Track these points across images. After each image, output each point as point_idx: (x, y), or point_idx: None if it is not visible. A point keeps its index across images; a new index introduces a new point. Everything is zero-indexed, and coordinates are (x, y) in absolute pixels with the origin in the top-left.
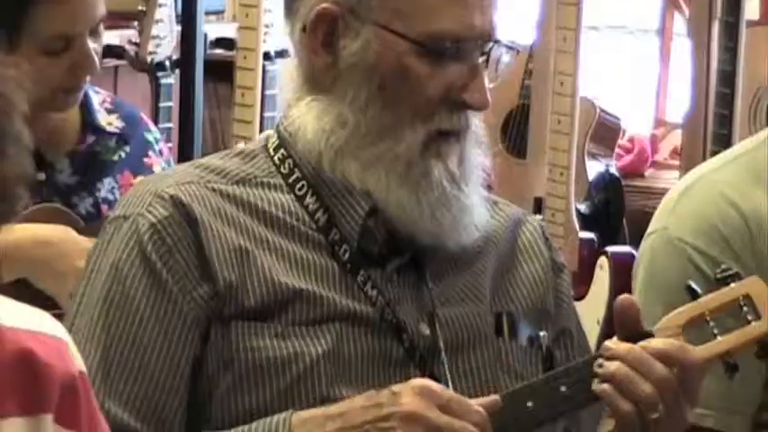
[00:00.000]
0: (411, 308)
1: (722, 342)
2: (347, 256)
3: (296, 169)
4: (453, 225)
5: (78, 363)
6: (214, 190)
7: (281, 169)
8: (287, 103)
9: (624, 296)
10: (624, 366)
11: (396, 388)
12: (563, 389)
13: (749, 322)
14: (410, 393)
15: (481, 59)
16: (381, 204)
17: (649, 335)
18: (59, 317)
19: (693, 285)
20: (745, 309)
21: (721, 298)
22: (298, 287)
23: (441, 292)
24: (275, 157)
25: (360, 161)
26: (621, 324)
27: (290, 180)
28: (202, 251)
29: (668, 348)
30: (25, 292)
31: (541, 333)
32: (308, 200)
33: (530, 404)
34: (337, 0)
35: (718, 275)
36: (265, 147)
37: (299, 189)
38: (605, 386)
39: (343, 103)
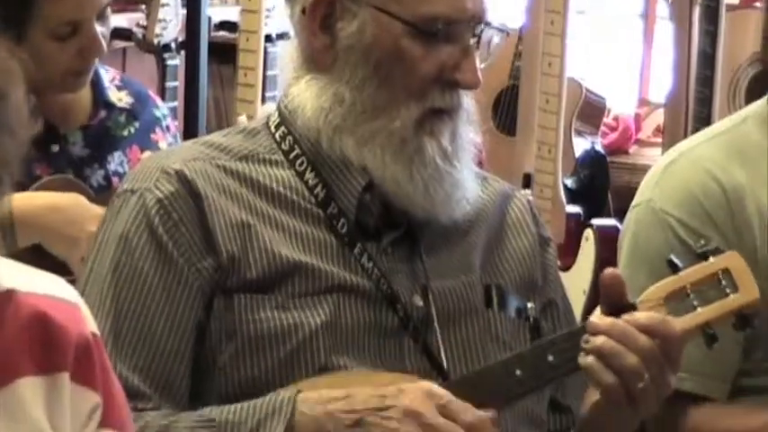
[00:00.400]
0: (405, 280)
1: (702, 314)
2: (344, 229)
3: (296, 146)
4: (445, 200)
5: (91, 324)
6: (218, 166)
7: (282, 146)
8: (287, 83)
9: (609, 270)
10: (609, 340)
11: (403, 386)
12: (550, 358)
13: (727, 295)
14: (414, 392)
15: (473, 41)
16: (377, 179)
17: (632, 307)
18: (72, 282)
19: (675, 259)
20: (723, 282)
21: (701, 272)
22: (297, 260)
23: (434, 264)
24: (276, 135)
25: (356, 138)
26: (606, 297)
27: (291, 156)
28: (206, 225)
29: (651, 321)
30: (41, 258)
31: (529, 305)
32: (308, 175)
33: (518, 372)
34: None
35: (699, 250)
36: (267, 124)
37: (299, 165)
38: (591, 359)
39: (341, 82)
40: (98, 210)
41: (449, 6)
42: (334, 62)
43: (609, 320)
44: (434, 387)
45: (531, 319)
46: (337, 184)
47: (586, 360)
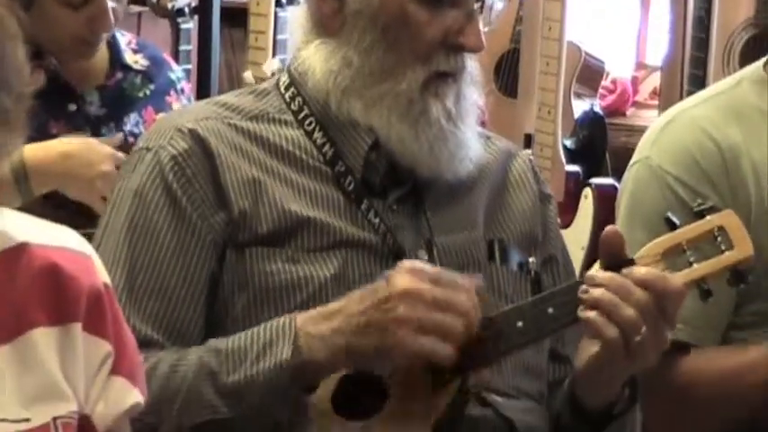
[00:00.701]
0: (410, 235)
1: (698, 269)
2: (352, 186)
3: (305, 106)
4: (450, 158)
5: (103, 275)
6: (230, 125)
7: (292, 106)
8: (296, 47)
9: (610, 227)
10: (607, 292)
11: (387, 273)
12: (550, 311)
13: (722, 252)
14: (401, 273)
15: (476, 6)
16: (383, 139)
17: (631, 262)
18: (89, 236)
19: (672, 217)
20: (719, 239)
21: (698, 229)
22: (307, 215)
23: (438, 221)
24: (286, 95)
25: (364, 99)
26: (606, 252)
27: (300, 116)
28: (218, 181)
29: (648, 276)
30: (57, 208)
31: (530, 259)
32: (316, 135)
33: (519, 324)
34: None
35: (696, 208)
36: (276, 86)
37: (308, 125)
38: (590, 312)
39: (349, 45)
40: (109, 149)
41: None
42: (342, 26)
43: (607, 274)
44: (416, 262)
45: (533, 273)
46: (345, 144)
47: (586, 313)
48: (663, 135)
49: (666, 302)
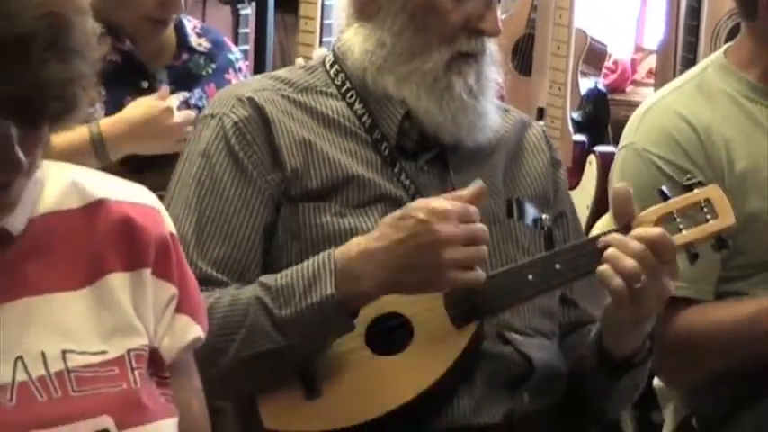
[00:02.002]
0: (437, 193)
1: (686, 235)
2: (387, 151)
3: (347, 81)
4: (470, 127)
5: (170, 226)
6: (283, 96)
7: (335, 81)
8: (339, 30)
9: (619, 185)
10: (612, 248)
11: (419, 214)
12: (557, 266)
13: (708, 221)
14: (435, 219)
15: None
16: (413, 110)
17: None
18: (160, 198)
19: (665, 190)
20: (705, 210)
21: (687, 200)
22: (351, 172)
23: (461, 181)
24: (331, 72)
25: (396, 76)
26: (617, 208)
27: (342, 90)
28: (273, 143)
29: (642, 232)
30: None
31: (544, 216)
32: (357, 106)
33: (530, 277)
34: None
35: (685, 182)
36: (323, 63)
37: (350, 97)
38: (600, 266)
39: (383, 29)
40: (166, 103)
41: None
42: (377, 12)
43: (611, 235)
44: (444, 203)
45: (546, 228)
46: (381, 114)
47: (598, 267)
48: (643, 122)
49: (660, 252)
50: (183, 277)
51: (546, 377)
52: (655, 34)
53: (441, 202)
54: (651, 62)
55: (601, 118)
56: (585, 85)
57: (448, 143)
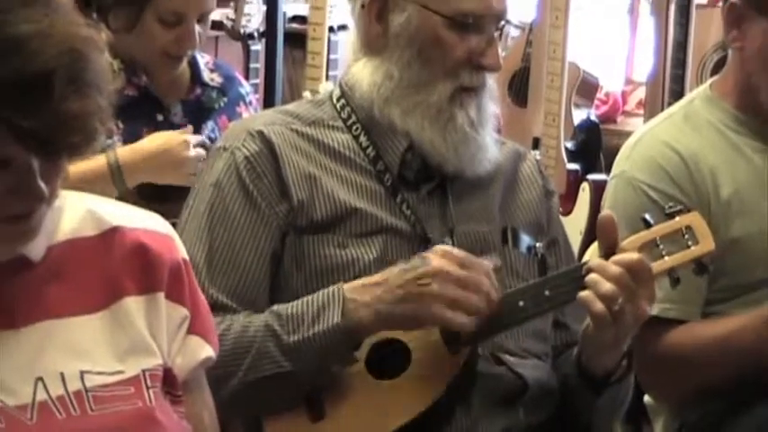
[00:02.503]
0: (437, 223)
1: (668, 261)
2: (390, 182)
3: (353, 114)
4: (471, 158)
5: (182, 252)
6: (292, 129)
7: (342, 115)
8: (348, 64)
9: (605, 212)
10: (591, 273)
11: (424, 254)
12: (546, 292)
13: (689, 246)
14: (436, 255)
15: (496, 33)
16: (416, 141)
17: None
18: (174, 225)
19: (647, 217)
20: (686, 236)
21: (669, 227)
22: (354, 205)
23: (461, 210)
24: (337, 105)
25: (402, 107)
26: (602, 235)
27: (348, 123)
28: (282, 177)
29: (621, 257)
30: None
31: (537, 244)
32: (362, 138)
33: (521, 303)
34: None
35: (668, 210)
36: (330, 97)
37: (355, 130)
38: (583, 292)
39: (391, 62)
40: (182, 136)
41: (478, 4)
42: (385, 46)
43: (593, 261)
44: (448, 247)
45: (539, 255)
46: (384, 145)
47: (580, 293)
48: (634, 152)
49: (638, 276)
50: (194, 300)
51: (539, 395)
52: (644, 67)
53: (448, 246)
54: (641, 94)
55: (593, 147)
56: (578, 115)
57: (449, 173)
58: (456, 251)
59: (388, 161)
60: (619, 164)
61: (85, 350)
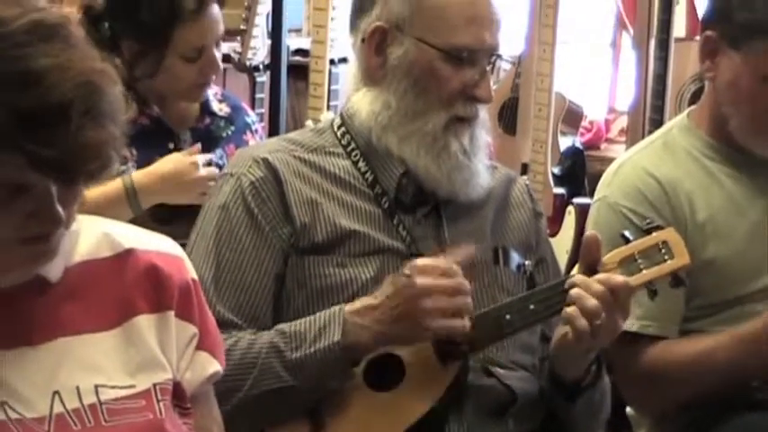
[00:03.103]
0: (432, 244)
1: (646, 274)
2: (387, 205)
3: (352, 142)
4: (463, 184)
5: (192, 273)
6: (295, 156)
7: (342, 142)
8: (348, 94)
9: (589, 233)
10: (576, 289)
11: (406, 271)
12: (531, 306)
13: (665, 260)
14: (418, 274)
15: (488, 67)
16: (412, 167)
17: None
18: (183, 246)
19: (627, 234)
20: (663, 251)
21: (646, 243)
22: (352, 228)
23: (454, 232)
24: (338, 133)
25: (398, 135)
26: (585, 253)
27: (348, 149)
28: (285, 201)
29: (604, 276)
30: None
31: (526, 262)
32: (360, 164)
33: (508, 317)
34: (387, 20)
35: (645, 227)
36: (331, 125)
37: (354, 156)
38: (567, 308)
39: (389, 92)
40: (192, 159)
41: (472, 39)
42: (384, 78)
43: (577, 277)
44: (424, 261)
45: (528, 273)
46: (382, 171)
47: (566, 309)
48: (615, 177)
49: (618, 294)
50: (203, 318)
51: (527, 405)
52: (626, 97)
53: (424, 260)
54: (623, 122)
55: (578, 172)
56: (564, 142)
57: (443, 198)
58: (432, 262)
59: (386, 185)
60: (601, 189)
61: (100, 365)
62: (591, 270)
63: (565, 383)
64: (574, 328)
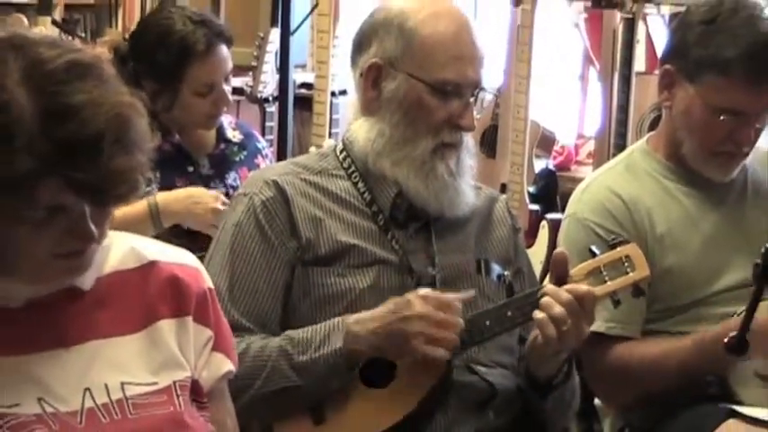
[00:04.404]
0: (422, 256)
1: (610, 285)
2: (382, 222)
3: (352, 165)
4: (449, 203)
5: (208, 282)
6: (301, 179)
7: (343, 165)
8: (348, 122)
9: (558, 249)
10: (546, 297)
11: (408, 296)
12: (508, 313)
13: (628, 273)
14: (418, 300)
15: (471, 99)
16: (404, 188)
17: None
18: (201, 258)
19: (594, 249)
20: (626, 264)
21: (611, 257)
22: (351, 243)
23: (442, 245)
24: (339, 157)
25: (391, 159)
26: (555, 267)
27: (349, 171)
28: (292, 219)
29: (571, 287)
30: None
31: (506, 272)
32: (359, 185)
33: (487, 323)
34: (382, 57)
35: (611, 242)
36: (334, 150)
37: (354, 177)
38: (538, 314)
39: (383, 122)
40: (212, 193)
41: (457, 75)
42: (379, 108)
43: (548, 287)
44: (427, 291)
45: (507, 282)
46: (378, 191)
47: (536, 314)
48: (583, 195)
49: (583, 303)
50: (218, 323)
51: (506, 399)
52: (593, 125)
53: (428, 290)
54: (590, 147)
55: (551, 191)
56: (539, 164)
57: (432, 215)
58: (433, 294)
59: (381, 204)
60: (571, 205)
61: (126, 365)
62: (561, 281)
63: (538, 381)
64: (543, 333)
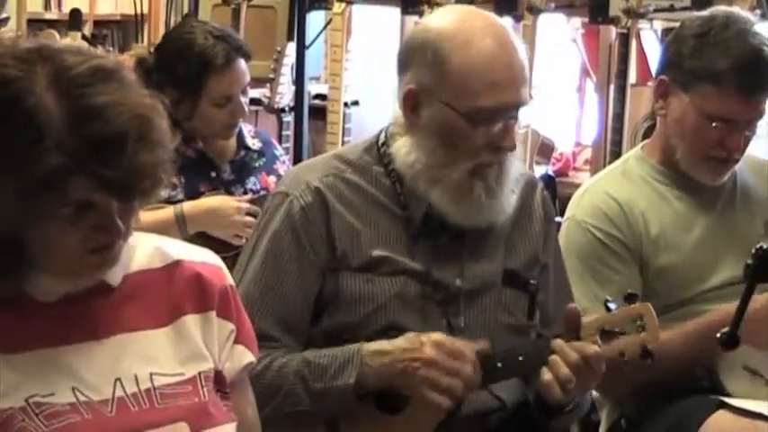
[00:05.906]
0: (451, 266)
1: (621, 343)
2: (413, 231)
3: (391, 162)
4: (483, 221)
5: (230, 279)
6: (342, 179)
7: (383, 160)
8: (392, 128)
9: (572, 305)
10: (555, 357)
11: (423, 338)
12: (520, 358)
13: (639, 333)
14: (431, 345)
15: (512, 121)
16: (437, 208)
17: (578, 332)
18: (225, 259)
19: (609, 304)
20: (638, 322)
21: (624, 314)
22: (382, 255)
23: (472, 253)
24: (381, 150)
25: (427, 181)
26: (567, 321)
27: (389, 169)
28: (330, 228)
29: (579, 347)
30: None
31: (531, 281)
32: (397, 185)
33: (499, 365)
34: (417, 83)
35: (626, 295)
36: (377, 141)
37: (393, 177)
38: (546, 377)
39: (420, 148)
40: (237, 203)
41: (493, 102)
42: (418, 132)
43: (557, 344)
44: (442, 338)
45: (531, 292)
46: (412, 200)
47: (544, 375)
48: (582, 199)
49: (590, 363)
50: (239, 317)
51: (514, 411)
52: (590, 133)
53: (442, 336)
54: (587, 154)
55: (550, 196)
56: (539, 171)
57: (464, 230)
58: (448, 341)
59: (414, 213)
60: (570, 209)
61: (154, 357)
62: (573, 333)
63: (549, 406)
64: (548, 392)
